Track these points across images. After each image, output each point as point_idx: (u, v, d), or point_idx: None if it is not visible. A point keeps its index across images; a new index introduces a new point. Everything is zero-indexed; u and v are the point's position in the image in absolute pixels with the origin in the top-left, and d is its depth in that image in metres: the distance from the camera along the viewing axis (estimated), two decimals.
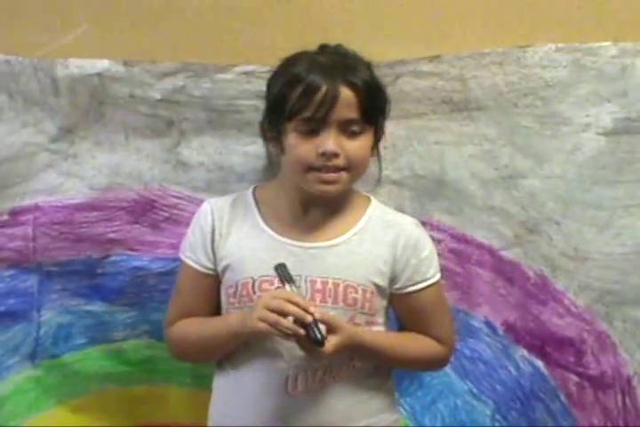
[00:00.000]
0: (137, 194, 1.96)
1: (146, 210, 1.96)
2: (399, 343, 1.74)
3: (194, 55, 1.89)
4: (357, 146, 1.65)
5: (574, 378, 1.96)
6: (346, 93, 1.63)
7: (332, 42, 1.73)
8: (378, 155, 1.77)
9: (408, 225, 1.77)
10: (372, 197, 1.80)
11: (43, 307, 2.00)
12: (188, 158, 1.94)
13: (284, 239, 1.71)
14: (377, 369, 1.76)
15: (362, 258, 1.71)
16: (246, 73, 1.88)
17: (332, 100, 1.61)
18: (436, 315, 1.78)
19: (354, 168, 1.66)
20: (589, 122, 1.89)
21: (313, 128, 1.64)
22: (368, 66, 1.71)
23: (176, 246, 1.94)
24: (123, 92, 1.90)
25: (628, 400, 1.95)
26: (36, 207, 1.95)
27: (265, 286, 1.68)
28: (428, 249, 1.76)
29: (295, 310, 1.56)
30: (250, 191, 1.79)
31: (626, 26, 1.87)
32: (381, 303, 1.73)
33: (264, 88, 1.85)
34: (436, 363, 1.83)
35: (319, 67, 1.65)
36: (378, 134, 1.72)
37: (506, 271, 1.96)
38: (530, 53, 1.87)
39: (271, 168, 1.83)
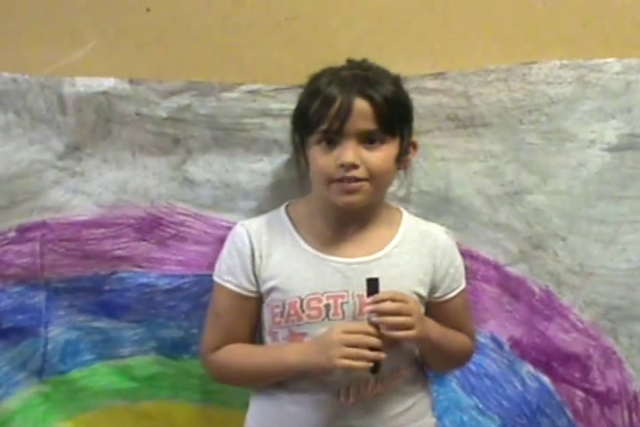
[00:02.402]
0: (144, 211, 1.95)
1: (152, 227, 1.96)
2: (453, 337, 1.78)
3: (200, 74, 1.89)
4: (378, 157, 1.67)
5: (580, 394, 1.97)
6: (360, 105, 1.64)
7: (338, 60, 1.74)
8: (405, 168, 1.79)
9: (441, 234, 1.81)
10: (401, 209, 1.83)
11: (50, 323, 2.00)
12: (195, 176, 1.94)
13: (327, 256, 1.73)
14: (418, 375, 1.79)
15: (404, 270, 1.73)
16: (252, 91, 1.88)
17: (346, 111, 1.63)
18: (465, 316, 1.84)
19: (375, 179, 1.68)
20: (594, 138, 1.90)
21: (332, 140, 1.66)
22: (394, 80, 1.73)
23: (183, 263, 1.97)
24: (129, 110, 1.90)
25: (634, 416, 1.95)
26: (44, 224, 1.95)
27: (313, 304, 1.70)
28: (459, 256, 1.82)
29: (374, 340, 1.60)
30: (282, 210, 1.80)
31: (630, 42, 1.89)
32: (421, 311, 1.75)
33: (270, 106, 1.88)
34: (467, 359, 1.87)
35: (338, 80, 1.67)
36: (404, 147, 1.72)
37: (511, 287, 1.97)
38: (535, 70, 1.88)
39: (301, 182, 1.83)
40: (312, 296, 1.70)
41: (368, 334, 1.61)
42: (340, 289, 1.70)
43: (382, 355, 1.60)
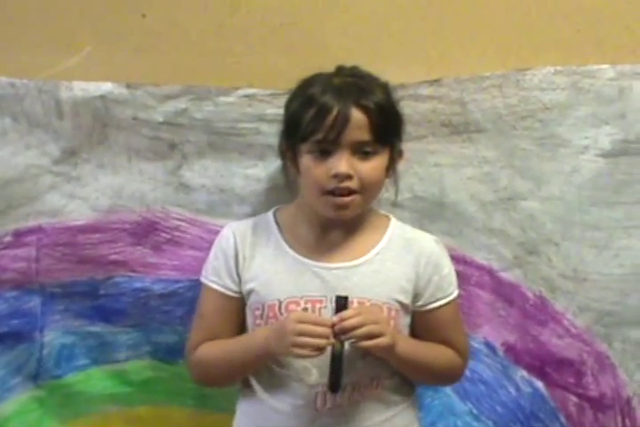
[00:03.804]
0: (139, 216, 1.96)
1: (148, 232, 1.97)
2: (430, 352, 1.75)
3: (196, 78, 1.90)
4: (371, 167, 1.66)
5: (574, 399, 1.96)
6: (357, 116, 1.63)
7: (334, 66, 1.74)
8: (394, 176, 1.79)
9: (428, 242, 1.79)
10: (391, 216, 1.82)
11: (45, 328, 2.00)
12: (190, 181, 1.95)
13: (308, 261, 1.72)
14: (402, 386, 1.77)
15: (385, 277, 1.72)
16: (248, 96, 1.89)
17: (342, 122, 1.62)
18: (456, 329, 1.80)
19: (367, 190, 1.67)
20: (588, 144, 1.90)
21: (326, 150, 1.65)
22: (384, 87, 1.72)
23: (178, 268, 1.97)
24: (126, 114, 1.91)
25: (627, 421, 1.95)
26: (40, 229, 1.96)
27: (291, 307, 1.69)
28: (448, 266, 1.79)
29: (322, 330, 1.58)
30: (270, 214, 1.80)
31: (623, 49, 1.89)
32: (405, 320, 1.75)
33: (266, 111, 1.90)
34: (455, 375, 1.83)
35: (332, 89, 1.66)
36: (393, 155, 1.73)
37: (505, 292, 1.97)
38: (529, 76, 1.88)
39: (289, 188, 1.84)
40: (290, 300, 1.69)
41: (320, 324, 1.59)
42: (319, 294, 1.69)
43: (329, 340, 1.57)
